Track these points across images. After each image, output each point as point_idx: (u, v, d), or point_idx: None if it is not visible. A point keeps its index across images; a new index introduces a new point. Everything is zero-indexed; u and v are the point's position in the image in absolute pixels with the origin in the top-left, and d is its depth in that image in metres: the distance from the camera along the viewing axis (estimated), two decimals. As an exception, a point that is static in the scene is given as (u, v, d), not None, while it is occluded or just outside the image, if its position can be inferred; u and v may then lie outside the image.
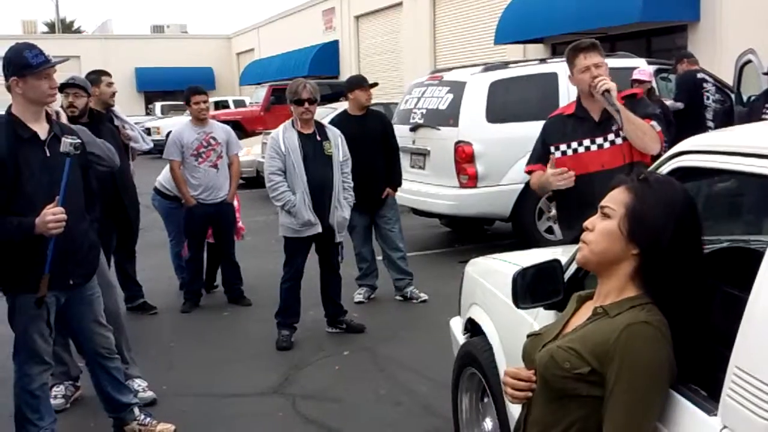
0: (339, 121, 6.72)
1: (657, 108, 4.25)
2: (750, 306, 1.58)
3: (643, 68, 8.55)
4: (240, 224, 7.05)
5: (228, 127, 6.84)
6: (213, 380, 5.04)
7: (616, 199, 1.89)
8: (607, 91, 3.75)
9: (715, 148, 1.97)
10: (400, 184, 6.84)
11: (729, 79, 8.94)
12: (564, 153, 3.93)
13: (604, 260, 1.89)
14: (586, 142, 3.89)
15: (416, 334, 5.72)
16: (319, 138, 5.53)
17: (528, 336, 2.09)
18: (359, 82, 6.56)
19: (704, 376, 1.75)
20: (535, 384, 1.93)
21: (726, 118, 8.42)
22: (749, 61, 8.36)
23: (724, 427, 1.58)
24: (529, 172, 4.16)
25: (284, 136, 5.46)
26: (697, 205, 1.88)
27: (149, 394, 4.62)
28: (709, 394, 1.70)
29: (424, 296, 6.65)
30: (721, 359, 1.63)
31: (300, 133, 5.48)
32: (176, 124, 6.95)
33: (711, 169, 1.94)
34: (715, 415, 1.62)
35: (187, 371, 5.21)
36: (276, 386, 4.88)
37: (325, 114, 12.49)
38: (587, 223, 1.94)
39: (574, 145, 3.91)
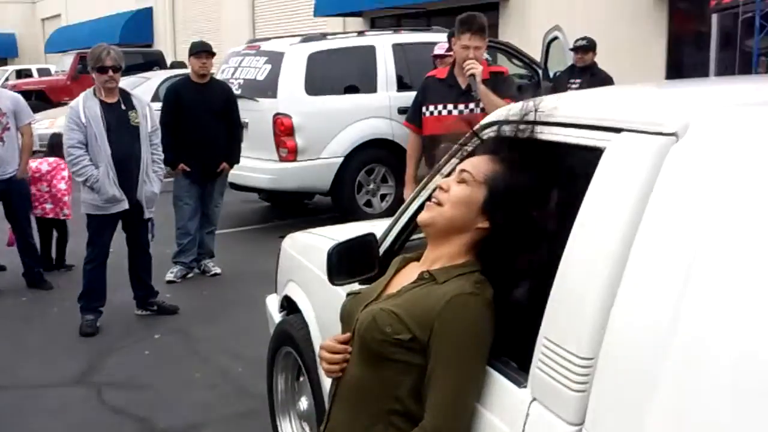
0: (178, 85, 6.48)
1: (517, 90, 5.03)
2: (558, 278, 1.55)
3: (443, 43, 8.63)
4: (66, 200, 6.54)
5: (17, 96, 6.31)
6: (10, 372, 4.65)
7: (478, 168, 1.79)
8: (473, 75, 4.42)
9: (527, 118, 1.93)
10: (237, 161, 6.63)
11: (537, 55, 9.34)
12: (431, 113, 4.68)
13: (450, 227, 1.79)
14: (450, 106, 4.62)
15: (232, 314, 5.55)
16: (124, 107, 5.16)
17: (348, 295, 1.99)
18: (192, 49, 6.35)
19: (516, 349, 1.72)
20: (349, 354, 1.83)
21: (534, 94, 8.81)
22: (556, 38, 8.75)
23: (534, 399, 1.56)
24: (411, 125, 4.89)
25: (85, 105, 5.05)
26: (554, 188, 1.81)
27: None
28: (519, 367, 1.68)
29: (217, 270, 6.57)
30: (531, 332, 1.60)
31: (102, 102, 5.09)
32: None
33: (522, 139, 1.90)
34: (525, 387, 1.60)
35: (-22, 363, 4.75)
36: (79, 376, 4.57)
37: (137, 83, 11.90)
38: (443, 183, 1.83)
39: (440, 107, 4.65)
